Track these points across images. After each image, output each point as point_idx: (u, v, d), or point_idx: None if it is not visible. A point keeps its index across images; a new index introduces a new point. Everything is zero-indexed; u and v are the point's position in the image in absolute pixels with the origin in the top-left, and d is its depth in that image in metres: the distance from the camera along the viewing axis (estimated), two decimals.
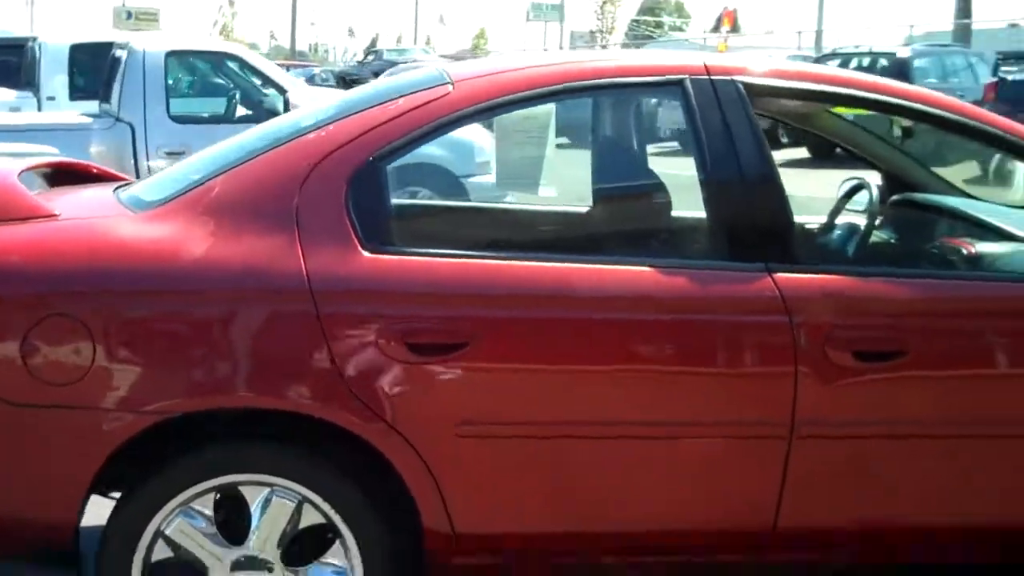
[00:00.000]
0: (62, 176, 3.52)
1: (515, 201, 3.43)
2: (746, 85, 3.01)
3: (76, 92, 11.31)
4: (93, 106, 9.42)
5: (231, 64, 9.13)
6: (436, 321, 2.74)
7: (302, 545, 2.77)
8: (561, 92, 3.07)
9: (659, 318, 2.83)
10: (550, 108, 3.71)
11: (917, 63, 16.03)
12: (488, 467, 2.79)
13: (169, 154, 8.27)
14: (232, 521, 2.75)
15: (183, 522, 2.71)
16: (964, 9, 23.61)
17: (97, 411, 2.66)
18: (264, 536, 2.73)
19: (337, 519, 2.74)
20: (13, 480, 2.71)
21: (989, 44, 22.24)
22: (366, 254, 2.73)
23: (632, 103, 3.49)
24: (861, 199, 3.87)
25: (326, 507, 2.73)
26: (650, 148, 3.65)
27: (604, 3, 49.77)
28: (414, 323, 2.72)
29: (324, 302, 2.68)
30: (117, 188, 3.35)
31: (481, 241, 3.10)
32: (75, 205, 3.00)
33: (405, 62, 33.25)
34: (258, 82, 9.03)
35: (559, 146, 3.57)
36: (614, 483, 2.84)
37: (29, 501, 2.72)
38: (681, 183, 3.19)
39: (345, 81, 30.47)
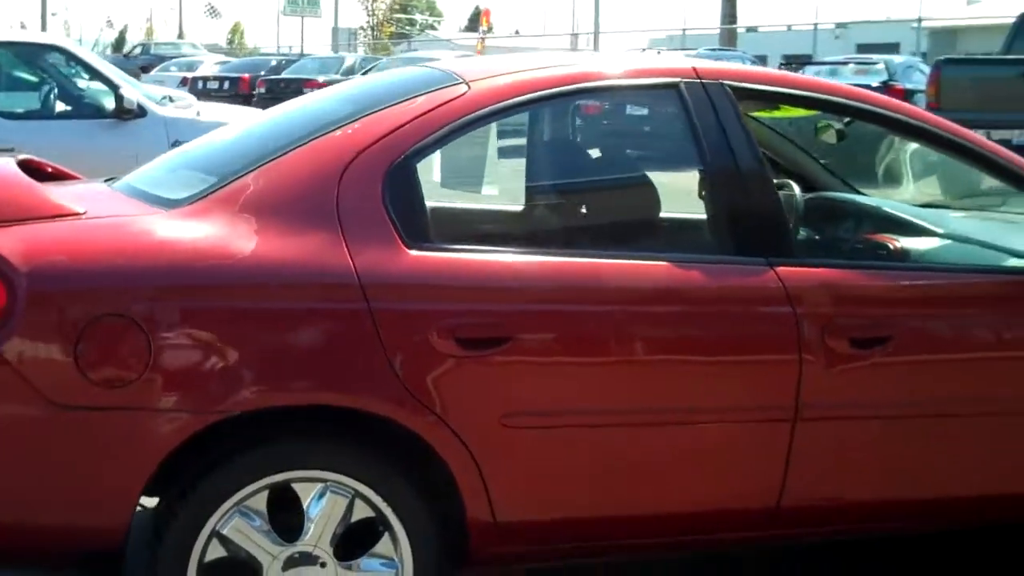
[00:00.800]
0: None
1: (541, 198, 3.56)
2: (733, 88, 3.23)
3: None
4: None
5: (57, 57, 8.77)
6: (481, 316, 2.84)
7: (351, 539, 2.83)
8: (575, 92, 3.25)
9: (678, 310, 3.02)
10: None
11: None
12: (528, 457, 2.91)
13: None
14: (284, 518, 2.78)
15: (239, 521, 2.73)
16: (731, 14, 24.94)
17: (152, 413, 2.65)
18: (318, 532, 2.77)
19: (388, 512, 2.81)
20: (63, 487, 2.66)
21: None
22: (410, 251, 2.82)
23: (633, 105, 3.66)
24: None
25: (377, 500, 2.79)
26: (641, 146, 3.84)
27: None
28: (461, 319, 2.82)
29: (375, 299, 2.75)
30: (108, 182, 3.30)
31: (513, 237, 3.22)
32: (87, 203, 2.93)
33: (174, 57, 32.39)
34: (87, 77, 8.72)
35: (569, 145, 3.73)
36: (642, 468, 3.01)
37: (80, 508, 2.68)
38: (682, 181, 3.38)
39: None
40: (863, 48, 35.37)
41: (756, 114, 4.18)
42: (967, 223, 4.00)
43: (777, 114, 4.06)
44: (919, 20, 37.56)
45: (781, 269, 3.07)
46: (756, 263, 3.07)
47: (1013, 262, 3.41)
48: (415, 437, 2.80)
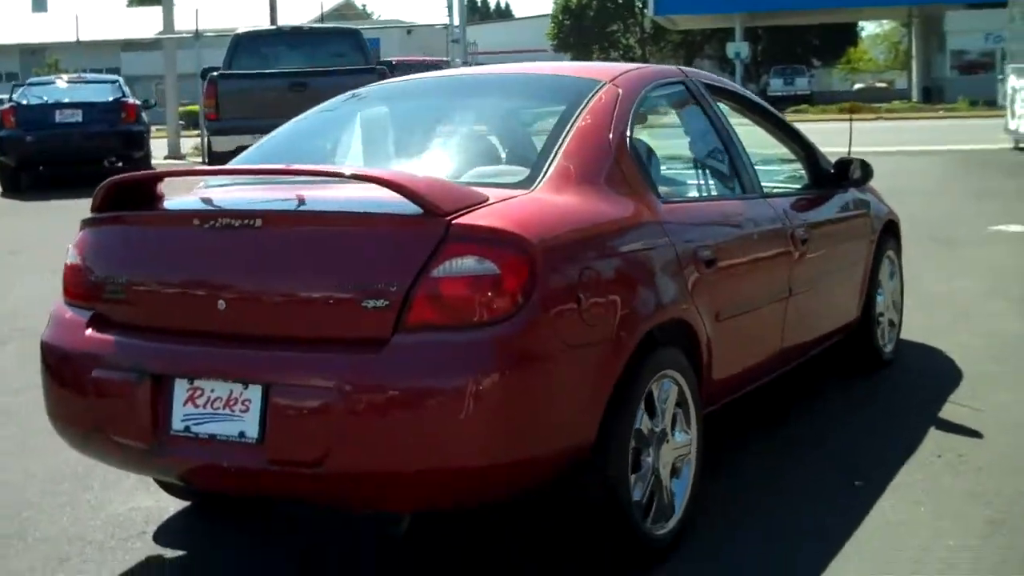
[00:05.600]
0: None
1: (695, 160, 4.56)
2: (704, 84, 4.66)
3: None
4: None
5: None
6: (708, 244, 3.96)
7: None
8: (675, 83, 4.44)
9: (768, 230, 4.47)
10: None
11: None
12: (725, 336, 4.06)
13: None
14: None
15: (644, 416, 3.52)
16: None
17: (614, 342, 3.35)
18: (667, 414, 3.65)
19: (688, 393, 3.76)
20: (566, 416, 3.23)
21: None
22: (664, 203, 3.83)
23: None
24: None
25: (684, 385, 3.74)
26: None
27: None
28: (701, 247, 3.91)
29: (673, 239, 3.74)
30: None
31: (699, 187, 4.37)
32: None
33: None
34: None
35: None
36: (763, 335, 4.41)
37: (572, 431, 3.26)
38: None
39: None
40: None
41: None
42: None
43: None
44: None
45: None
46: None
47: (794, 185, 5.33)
48: (695, 335, 3.82)
